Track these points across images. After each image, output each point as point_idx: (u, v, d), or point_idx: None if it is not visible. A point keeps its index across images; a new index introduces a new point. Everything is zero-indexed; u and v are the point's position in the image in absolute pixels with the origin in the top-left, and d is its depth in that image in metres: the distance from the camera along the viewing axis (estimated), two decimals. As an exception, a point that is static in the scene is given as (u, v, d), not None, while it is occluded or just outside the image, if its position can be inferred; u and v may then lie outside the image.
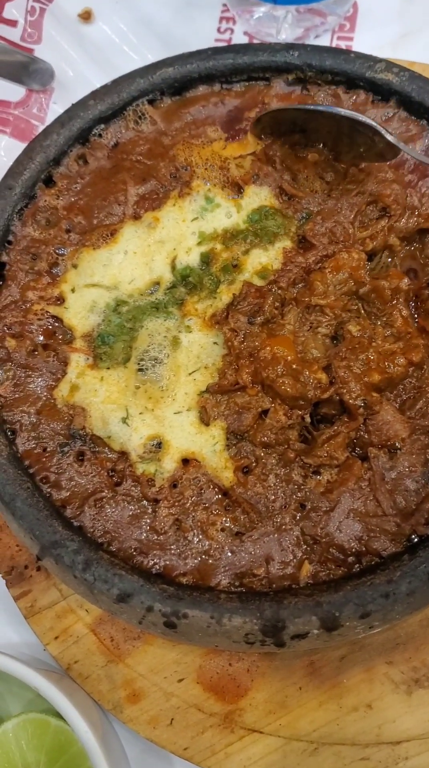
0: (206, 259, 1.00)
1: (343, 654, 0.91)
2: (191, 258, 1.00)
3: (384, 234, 0.98)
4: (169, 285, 1.00)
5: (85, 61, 1.34)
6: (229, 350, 0.94)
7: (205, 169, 1.05)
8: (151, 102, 1.09)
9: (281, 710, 0.90)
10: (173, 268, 1.01)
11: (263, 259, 0.99)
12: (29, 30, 1.36)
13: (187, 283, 1.00)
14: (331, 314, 0.93)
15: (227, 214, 1.02)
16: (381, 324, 0.93)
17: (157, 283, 1.01)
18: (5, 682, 0.97)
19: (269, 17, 1.32)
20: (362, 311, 0.94)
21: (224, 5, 1.38)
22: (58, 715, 0.93)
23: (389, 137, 0.94)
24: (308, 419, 0.92)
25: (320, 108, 0.99)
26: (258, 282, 0.98)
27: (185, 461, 0.91)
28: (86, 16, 1.37)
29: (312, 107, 1.00)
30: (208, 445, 0.92)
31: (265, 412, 0.92)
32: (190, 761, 0.90)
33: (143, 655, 0.94)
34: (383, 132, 0.94)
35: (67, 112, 1.07)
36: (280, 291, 0.96)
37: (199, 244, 1.01)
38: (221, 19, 1.37)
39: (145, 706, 0.92)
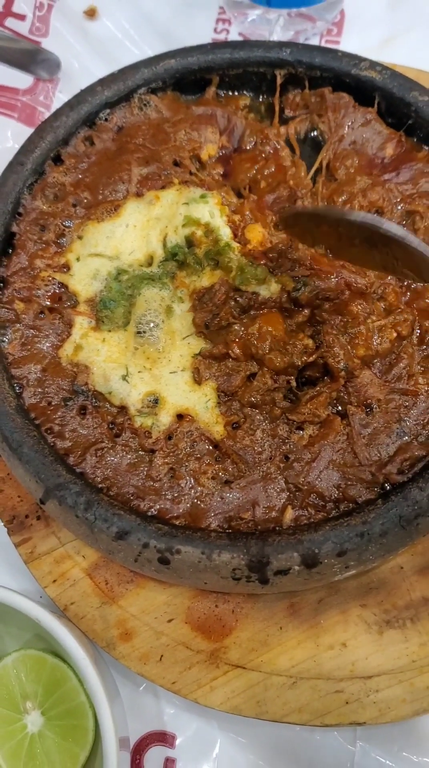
0: (190, 242, 1.07)
1: (321, 597, 0.99)
2: (178, 237, 1.07)
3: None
4: (162, 259, 1.07)
5: (89, 55, 1.43)
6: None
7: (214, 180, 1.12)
8: (153, 91, 1.17)
9: (263, 648, 0.97)
10: (164, 245, 1.08)
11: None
12: (37, 24, 1.44)
13: (177, 259, 1.06)
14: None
15: (210, 214, 1.08)
16: (377, 298, 1.01)
17: (152, 257, 1.08)
18: (3, 623, 1.03)
19: (262, 20, 1.42)
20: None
21: (221, 7, 1.47)
22: (55, 655, 1.00)
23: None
24: (294, 383, 0.99)
25: (366, 221, 0.83)
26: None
27: (180, 416, 0.99)
28: (91, 13, 1.46)
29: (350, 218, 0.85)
30: (200, 402, 0.99)
31: (254, 374, 0.99)
32: (177, 694, 0.96)
33: (135, 598, 1.01)
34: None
35: (76, 96, 1.15)
36: (240, 299, 1.01)
37: (184, 225, 1.07)
38: (218, 20, 1.46)
39: (137, 643, 0.99)
